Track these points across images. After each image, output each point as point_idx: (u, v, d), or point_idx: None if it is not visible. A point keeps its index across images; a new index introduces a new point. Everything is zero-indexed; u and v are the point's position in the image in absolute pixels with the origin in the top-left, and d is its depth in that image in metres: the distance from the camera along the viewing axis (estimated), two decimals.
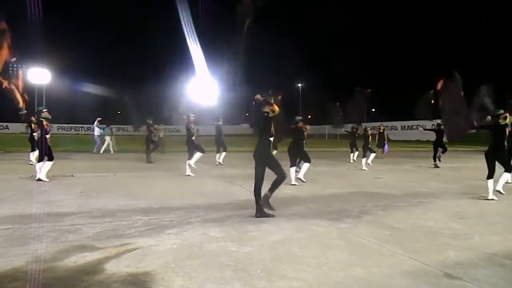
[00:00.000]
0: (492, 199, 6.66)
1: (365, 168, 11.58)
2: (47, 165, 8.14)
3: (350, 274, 3.12)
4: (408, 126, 41.44)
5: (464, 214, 5.54)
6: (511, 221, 5.32)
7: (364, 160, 11.87)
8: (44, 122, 8.22)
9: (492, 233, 4.52)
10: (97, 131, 17.19)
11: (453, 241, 4.12)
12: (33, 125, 8.32)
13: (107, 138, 17.54)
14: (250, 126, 6.05)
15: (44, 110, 8.38)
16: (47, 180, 8.02)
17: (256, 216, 5.01)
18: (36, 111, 8.60)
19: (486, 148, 7.18)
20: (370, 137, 12.72)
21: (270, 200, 5.09)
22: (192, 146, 9.79)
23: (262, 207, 5.06)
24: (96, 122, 17.40)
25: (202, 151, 9.84)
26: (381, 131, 16.76)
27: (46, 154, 8.12)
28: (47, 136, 8.25)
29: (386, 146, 17.06)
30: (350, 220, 5.01)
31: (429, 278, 3.06)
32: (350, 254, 3.62)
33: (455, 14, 51.40)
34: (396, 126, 42.42)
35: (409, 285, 2.94)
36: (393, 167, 12.96)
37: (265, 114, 5.14)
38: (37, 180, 7.94)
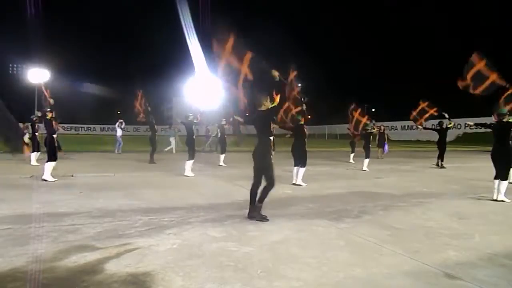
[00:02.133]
0: (502, 201, 6.52)
1: (366, 169, 11.54)
2: (49, 165, 8.16)
3: (350, 274, 3.12)
4: (408, 126, 41.45)
5: (464, 214, 5.54)
6: (511, 221, 5.32)
7: (365, 160, 11.82)
8: (53, 122, 8.33)
9: (492, 233, 4.52)
10: (119, 132, 17.46)
11: (453, 241, 4.12)
12: (54, 123, 8.37)
13: (172, 139, 17.99)
14: (245, 123, 5.94)
15: (48, 110, 8.43)
16: (55, 179, 8.04)
17: (248, 217, 4.91)
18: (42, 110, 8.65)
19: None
20: (371, 137, 12.67)
21: (261, 210, 4.95)
22: (190, 147, 9.71)
23: (259, 209, 4.95)
24: (118, 123, 17.61)
25: (191, 157, 9.62)
26: (381, 131, 16.75)
27: (53, 153, 8.22)
28: (54, 136, 8.31)
29: (386, 146, 17.05)
30: (350, 220, 5.01)
31: (429, 278, 3.07)
32: (350, 254, 3.62)
33: (455, 14, 51.41)
34: (396, 126, 42.44)
35: (409, 285, 2.94)
36: (393, 167, 12.96)
37: (262, 112, 4.99)
38: (43, 180, 7.97)
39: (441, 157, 12.87)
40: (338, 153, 18.80)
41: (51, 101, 9.63)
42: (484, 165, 13.65)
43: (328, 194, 7.15)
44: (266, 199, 4.97)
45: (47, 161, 8.18)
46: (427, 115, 12.93)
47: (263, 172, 4.94)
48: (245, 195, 6.73)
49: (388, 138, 17.90)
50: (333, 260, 3.42)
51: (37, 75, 37.35)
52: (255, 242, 3.93)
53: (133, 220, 4.78)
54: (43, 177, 8.00)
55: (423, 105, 13.02)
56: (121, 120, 17.78)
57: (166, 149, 17.51)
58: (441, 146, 12.96)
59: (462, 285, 2.97)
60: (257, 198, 4.93)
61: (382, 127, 17.16)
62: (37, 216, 4.83)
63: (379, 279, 3.03)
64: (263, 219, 4.86)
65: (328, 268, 3.23)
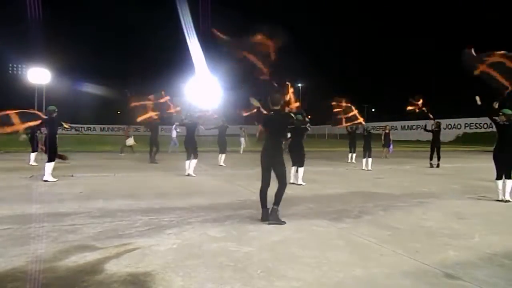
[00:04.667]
0: (507, 200, 6.46)
1: (366, 168, 11.56)
2: (48, 166, 8.15)
3: (350, 274, 3.12)
4: (408, 126, 41.49)
5: (464, 214, 5.54)
6: (511, 221, 5.32)
7: (364, 160, 11.84)
8: (63, 122, 8.35)
9: (492, 233, 4.52)
10: (174, 133, 17.84)
11: (453, 241, 4.12)
12: (65, 125, 8.31)
13: (242, 140, 18.66)
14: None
15: (56, 110, 8.40)
16: (54, 179, 8.04)
17: (261, 220, 4.78)
18: (46, 111, 8.57)
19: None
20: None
21: (279, 213, 4.77)
22: (190, 147, 9.72)
23: (268, 211, 4.80)
24: (174, 125, 17.92)
25: (196, 156, 9.69)
26: (387, 131, 16.89)
27: (55, 154, 8.24)
28: (56, 136, 8.33)
29: (391, 146, 17.14)
30: (350, 220, 5.01)
31: (429, 278, 3.07)
32: (350, 254, 3.62)
33: (456, 14, 51.41)
34: (396, 126, 42.46)
35: (409, 285, 2.94)
36: (393, 167, 12.96)
37: (277, 111, 4.90)
38: (44, 180, 7.96)
39: (431, 156, 13.10)
40: (338, 153, 18.80)
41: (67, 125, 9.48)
42: (484, 165, 13.65)
43: (328, 194, 7.15)
44: (270, 220, 4.76)
45: (47, 161, 8.16)
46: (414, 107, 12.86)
47: (276, 172, 4.83)
48: (245, 195, 6.76)
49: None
50: (333, 260, 3.42)
51: (37, 75, 37.33)
52: (255, 242, 3.93)
53: (133, 220, 4.78)
54: (44, 178, 7.99)
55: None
56: (177, 123, 18.08)
57: (241, 150, 18.24)
58: (434, 146, 13.10)
59: (462, 285, 2.97)
60: (274, 201, 4.76)
61: (388, 128, 17.30)
62: (37, 216, 4.83)
63: (379, 279, 3.03)
64: (281, 222, 4.70)
65: (328, 268, 3.23)
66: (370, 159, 11.74)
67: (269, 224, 4.68)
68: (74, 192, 6.73)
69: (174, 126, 17.91)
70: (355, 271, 3.17)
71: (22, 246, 3.63)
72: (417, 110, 13.02)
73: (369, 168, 11.56)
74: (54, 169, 8.25)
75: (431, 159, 13.09)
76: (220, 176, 9.71)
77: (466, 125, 36.50)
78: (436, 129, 13.25)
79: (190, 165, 9.55)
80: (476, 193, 7.37)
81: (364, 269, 3.23)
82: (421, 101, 12.85)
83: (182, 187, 7.74)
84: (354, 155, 14.49)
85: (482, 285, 2.94)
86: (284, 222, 4.73)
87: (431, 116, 13.05)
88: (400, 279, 3.03)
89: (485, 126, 33.20)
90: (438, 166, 12.81)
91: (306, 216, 5.19)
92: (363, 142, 12.32)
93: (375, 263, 3.37)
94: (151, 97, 11.28)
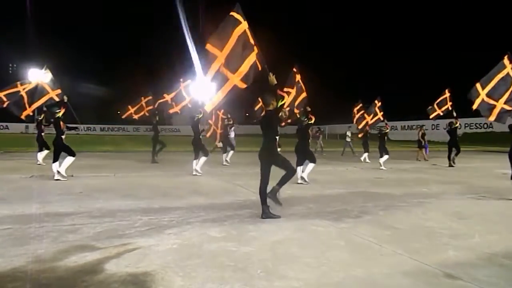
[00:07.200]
0: None
1: (383, 168, 11.64)
2: (68, 160, 8.26)
3: (350, 274, 3.12)
4: (408, 126, 41.45)
5: (464, 214, 5.54)
6: (511, 221, 5.32)
7: (381, 160, 11.93)
8: (61, 122, 8.36)
9: (492, 233, 4.52)
10: (232, 134, 18.28)
11: (453, 241, 4.12)
12: (61, 124, 8.34)
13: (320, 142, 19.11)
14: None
15: (58, 110, 8.41)
16: (66, 178, 8.08)
17: (262, 217, 4.93)
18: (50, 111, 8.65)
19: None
20: (386, 137, 12.74)
21: (278, 195, 5.02)
22: (198, 147, 9.72)
23: (268, 208, 4.99)
24: (233, 127, 18.17)
25: (206, 154, 9.77)
26: (422, 131, 16.85)
27: (71, 150, 8.33)
28: (63, 136, 8.33)
29: (427, 147, 17.04)
30: (350, 220, 5.01)
31: (429, 278, 3.07)
32: (350, 254, 3.62)
33: (455, 12, 51.41)
34: (396, 126, 42.43)
35: (409, 285, 2.94)
36: (393, 167, 12.95)
37: (269, 111, 5.06)
38: (56, 179, 7.97)
39: (449, 156, 13.06)
40: (338, 153, 18.79)
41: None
42: (484, 165, 13.67)
43: (328, 194, 7.14)
44: (268, 197, 5.02)
45: (53, 162, 8.20)
46: (443, 108, 13.11)
47: (278, 166, 5.04)
48: (245, 195, 6.75)
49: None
50: (333, 260, 3.42)
51: (37, 74, 37.36)
52: (255, 242, 3.94)
53: (133, 220, 4.79)
54: (59, 170, 8.11)
55: (446, 95, 13.24)
56: (234, 126, 18.38)
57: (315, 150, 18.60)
58: (451, 146, 13.13)
59: (462, 285, 2.97)
60: (277, 182, 5.01)
61: (423, 128, 17.17)
62: (37, 216, 4.84)
63: (379, 279, 3.03)
64: (277, 202, 4.98)
65: (328, 268, 3.23)
66: (383, 158, 11.86)
67: (264, 217, 4.91)
68: (74, 192, 6.73)
69: (233, 127, 18.15)
70: (355, 271, 3.17)
71: (22, 246, 3.63)
72: (441, 113, 13.23)
73: (382, 166, 11.75)
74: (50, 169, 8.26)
75: (449, 159, 13.11)
76: (220, 176, 9.71)
77: (466, 125, 36.46)
78: (448, 128, 13.37)
79: (199, 163, 9.62)
80: (476, 193, 7.37)
81: (364, 269, 3.23)
82: (445, 106, 13.09)
83: (182, 187, 7.74)
84: (366, 154, 14.53)
85: (482, 285, 2.94)
86: (278, 216, 4.96)
87: (454, 114, 13.27)
88: (400, 279, 3.03)
89: (485, 126, 33.21)
90: (452, 165, 12.85)
91: (306, 216, 5.19)
92: (378, 143, 12.40)
93: (375, 263, 3.37)
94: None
